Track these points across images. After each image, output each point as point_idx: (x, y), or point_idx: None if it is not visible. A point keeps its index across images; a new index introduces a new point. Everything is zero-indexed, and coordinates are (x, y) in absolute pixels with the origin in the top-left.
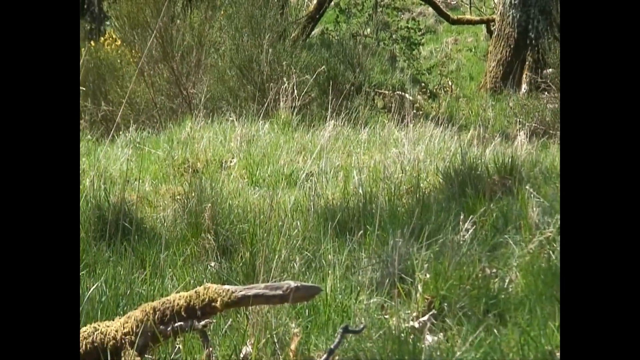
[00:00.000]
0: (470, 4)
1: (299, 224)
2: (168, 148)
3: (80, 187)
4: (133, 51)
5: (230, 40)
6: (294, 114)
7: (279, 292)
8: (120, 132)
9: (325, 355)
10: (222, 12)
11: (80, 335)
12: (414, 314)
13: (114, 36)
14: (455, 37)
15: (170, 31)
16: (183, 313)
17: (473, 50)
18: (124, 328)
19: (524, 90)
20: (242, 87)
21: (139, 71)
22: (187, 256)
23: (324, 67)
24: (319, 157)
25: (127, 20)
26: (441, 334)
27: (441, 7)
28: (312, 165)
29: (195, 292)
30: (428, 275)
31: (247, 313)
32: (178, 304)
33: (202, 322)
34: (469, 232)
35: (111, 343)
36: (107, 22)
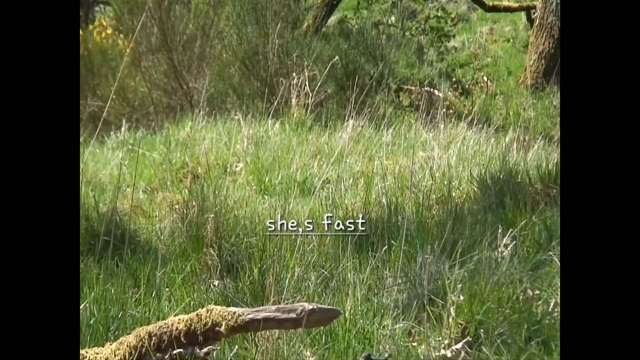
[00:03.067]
0: None
1: (314, 238)
2: (165, 150)
3: None
4: (126, 41)
5: (232, 30)
6: (308, 112)
7: (292, 315)
8: (111, 132)
9: None
10: None
11: None
12: (446, 341)
13: (104, 24)
14: (490, 26)
15: (172, 17)
16: (183, 339)
17: (511, 41)
18: (115, 355)
19: None
20: (247, 82)
21: (133, 60)
22: (187, 274)
23: (337, 57)
24: (336, 162)
25: (125, 3)
26: None
27: None
28: (328, 171)
29: (197, 314)
30: (462, 297)
31: (256, 339)
32: (177, 329)
33: (205, 349)
34: (509, 248)
35: None
36: (97, 8)
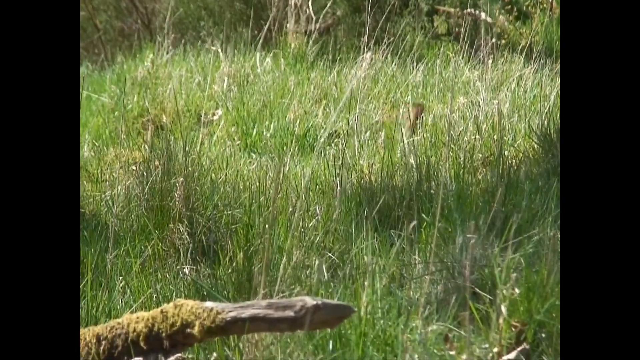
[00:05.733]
0: None
1: (318, 210)
2: (118, 92)
3: None
4: None
5: None
6: (310, 42)
7: (289, 313)
8: None
9: None
10: None
11: None
12: (495, 349)
13: None
14: None
15: None
16: (142, 344)
17: None
18: None
19: None
20: (227, 4)
21: None
22: (147, 257)
23: None
24: (348, 109)
25: None
26: None
27: None
28: (338, 121)
29: (161, 312)
30: (517, 291)
31: (240, 345)
32: (135, 330)
33: (172, 358)
34: None
35: None
36: None
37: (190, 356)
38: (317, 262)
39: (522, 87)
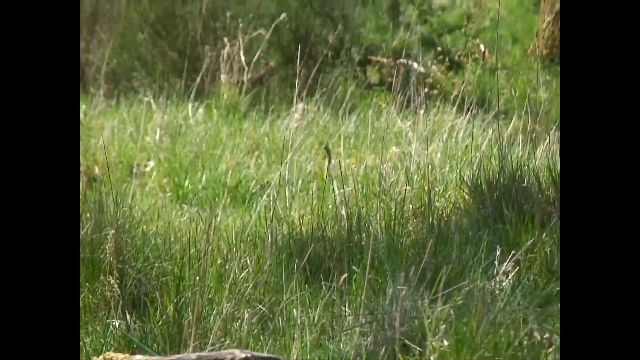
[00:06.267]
0: None
1: (249, 261)
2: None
3: None
4: None
5: None
6: (243, 92)
7: None
8: None
9: None
10: None
11: None
12: None
13: None
14: None
15: None
16: None
17: None
18: None
19: None
20: (160, 53)
21: None
22: None
23: (284, 15)
24: (280, 160)
25: None
26: None
27: None
28: (269, 171)
29: None
30: (446, 342)
31: None
32: None
33: None
34: (510, 277)
35: None
36: None
37: None
38: (247, 314)
39: (454, 138)
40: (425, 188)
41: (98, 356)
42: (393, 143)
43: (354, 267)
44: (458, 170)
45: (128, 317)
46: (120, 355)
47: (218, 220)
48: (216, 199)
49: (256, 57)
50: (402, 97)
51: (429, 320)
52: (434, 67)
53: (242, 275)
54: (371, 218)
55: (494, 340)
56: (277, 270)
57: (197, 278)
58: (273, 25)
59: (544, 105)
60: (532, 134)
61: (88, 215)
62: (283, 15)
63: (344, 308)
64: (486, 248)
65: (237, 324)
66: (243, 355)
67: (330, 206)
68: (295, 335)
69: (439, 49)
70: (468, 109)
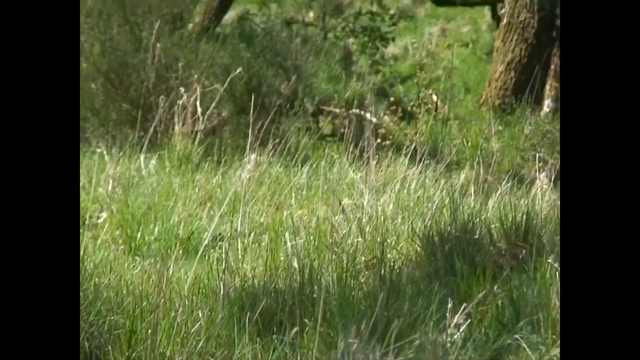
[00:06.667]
0: None
1: (201, 314)
2: None
3: None
4: None
5: (93, 32)
6: (196, 143)
7: None
8: None
9: None
10: None
11: None
12: None
13: None
14: (443, 26)
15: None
16: None
17: (470, 45)
18: None
19: (548, 109)
20: (112, 103)
21: None
22: None
23: (240, 70)
24: (232, 212)
25: None
26: None
27: None
28: (222, 223)
29: None
30: None
31: None
32: None
33: None
34: (461, 330)
35: None
36: None
37: None
38: None
39: (406, 189)
40: (378, 240)
41: None
42: (345, 194)
43: (305, 320)
44: (410, 222)
45: None
46: None
47: (170, 272)
48: (168, 251)
49: (211, 108)
50: (355, 147)
51: None
52: (386, 117)
53: (194, 328)
54: (323, 270)
55: None
56: (229, 324)
57: (149, 331)
58: (229, 79)
59: (495, 155)
60: (484, 185)
61: None
62: (239, 70)
63: None
64: (438, 301)
65: None
66: None
67: (282, 258)
68: None
69: (392, 99)
70: (420, 160)
